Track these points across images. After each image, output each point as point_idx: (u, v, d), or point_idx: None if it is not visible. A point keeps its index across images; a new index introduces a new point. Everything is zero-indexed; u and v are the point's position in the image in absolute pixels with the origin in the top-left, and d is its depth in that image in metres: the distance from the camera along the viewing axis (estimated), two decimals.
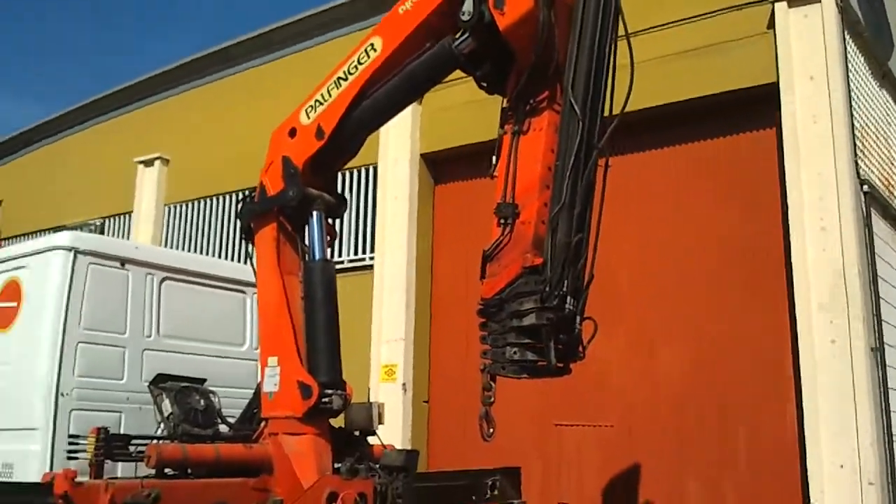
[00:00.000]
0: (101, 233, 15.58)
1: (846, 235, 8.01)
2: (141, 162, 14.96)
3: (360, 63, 6.15)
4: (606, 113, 5.45)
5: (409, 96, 6.40)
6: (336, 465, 5.82)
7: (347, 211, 11.94)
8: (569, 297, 5.15)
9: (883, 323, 8.38)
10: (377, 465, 6.09)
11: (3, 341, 6.55)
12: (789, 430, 8.11)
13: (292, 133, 6.41)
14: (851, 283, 7.88)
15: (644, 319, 9.44)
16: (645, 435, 9.14)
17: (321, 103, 6.29)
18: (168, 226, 14.58)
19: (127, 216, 15.25)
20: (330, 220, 6.59)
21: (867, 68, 10.10)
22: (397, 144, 11.48)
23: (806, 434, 7.82)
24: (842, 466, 7.61)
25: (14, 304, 6.56)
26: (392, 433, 10.35)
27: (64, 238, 6.62)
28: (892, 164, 10.65)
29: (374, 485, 5.77)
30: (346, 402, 5.99)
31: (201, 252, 13.75)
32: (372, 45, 6.11)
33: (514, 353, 5.20)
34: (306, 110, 6.38)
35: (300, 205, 6.20)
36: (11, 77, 53.43)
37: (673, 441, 8.96)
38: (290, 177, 6.23)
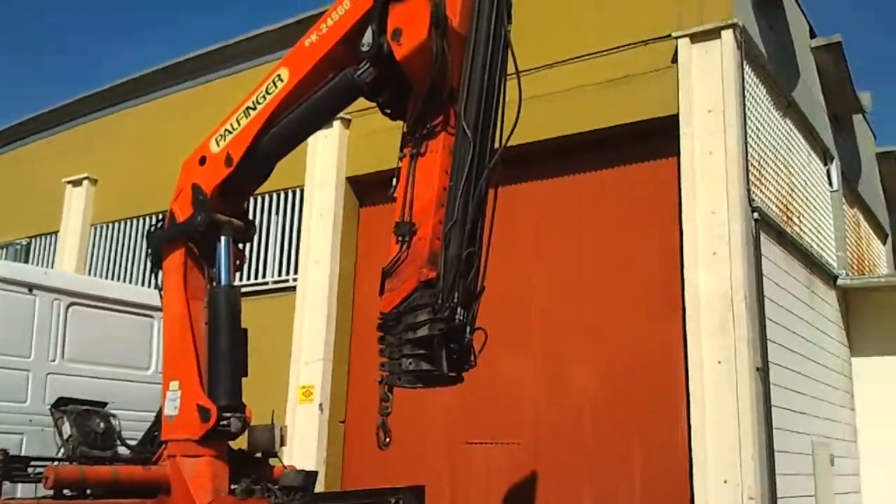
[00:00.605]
0: (27, 252, 15.57)
1: (735, 263, 8.45)
2: (69, 182, 14.98)
3: (267, 93, 6.45)
4: (499, 136, 5.82)
5: (314, 125, 6.72)
6: (233, 487, 6.04)
7: (274, 232, 12.30)
8: (459, 309, 5.48)
9: (771, 343, 8.83)
10: (276, 486, 6.34)
11: None
12: (681, 447, 8.47)
13: (202, 161, 6.67)
14: (738, 308, 8.31)
15: (552, 342, 9.80)
16: (549, 452, 9.47)
17: (230, 132, 6.56)
18: (94, 245, 14.61)
19: (54, 236, 15.25)
20: (240, 245, 6.86)
21: (769, 99, 10.62)
22: (324, 167, 11.74)
23: (693, 451, 8.22)
24: (725, 482, 8.01)
25: None
26: (307, 453, 10.63)
27: None
28: (792, 191, 11.19)
29: None
30: (245, 424, 6.20)
31: (126, 271, 13.84)
32: (279, 75, 6.43)
33: (410, 363, 5.46)
34: (216, 139, 6.65)
35: (208, 230, 6.44)
36: None
37: (575, 458, 9.30)
38: (199, 203, 6.47)
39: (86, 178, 14.83)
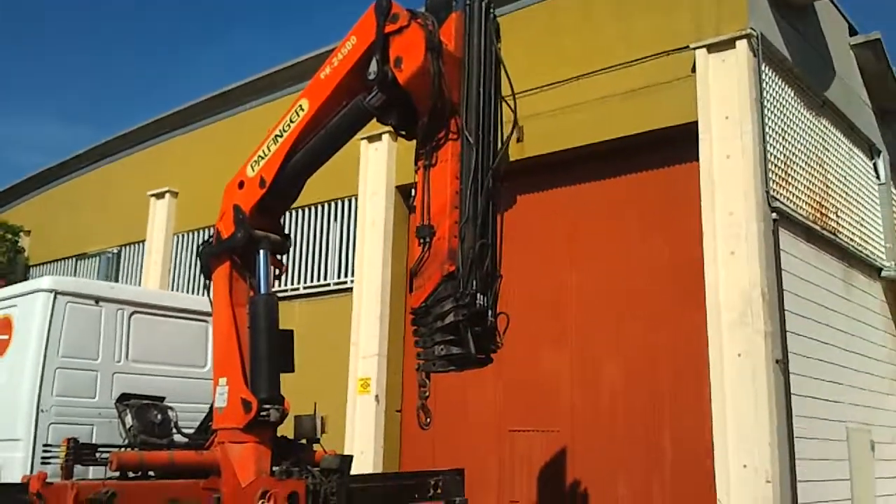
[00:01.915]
0: (118, 260, 16.93)
1: (752, 261, 8.89)
2: (153, 195, 16.25)
3: (291, 122, 7.29)
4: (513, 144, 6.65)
5: (334, 147, 7.42)
6: (274, 468, 6.87)
7: (333, 238, 13.20)
8: (479, 295, 6.24)
9: (795, 336, 9.23)
10: (315, 469, 7.16)
11: None
12: (705, 434, 8.95)
13: (241, 185, 7.53)
14: (755, 303, 8.76)
15: (585, 338, 10.40)
16: (585, 439, 10.09)
17: (262, 158, 7.42)
18: (177, 252, 15.84)
19: (141, 244, 16.56)
20: (277, 256, 7.71)
21: (799, 100, 10.94)
22: (374, 178, 12.59)
23: (714, 437, 8.72)
24: (745, 466, 8.49)
25: (6, 336, 7.85)
26: (367, 440, 11.50)
27: (46, 282, 7.95)
28: (828, 187, 11.46)
29: (307, 485, 6.82)
30: (284, 414, 6.98)
31: None
32: (301, 105, 7.27)
33: (441, 349, 6.25)
34: (251, 165, 7.52)
35: (248, 245, 7.29)
36: (61, 101, 55.74)
37: (608, 444, 9.90)
38: (239, 222, 7.33)
39: (167, 191, 16.06)
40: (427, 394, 6.50)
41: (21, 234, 20.11)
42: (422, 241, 6.45)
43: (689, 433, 9.28)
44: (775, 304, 9.03)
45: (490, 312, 6.39)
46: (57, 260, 19.13)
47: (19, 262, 19.79)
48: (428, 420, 6.52)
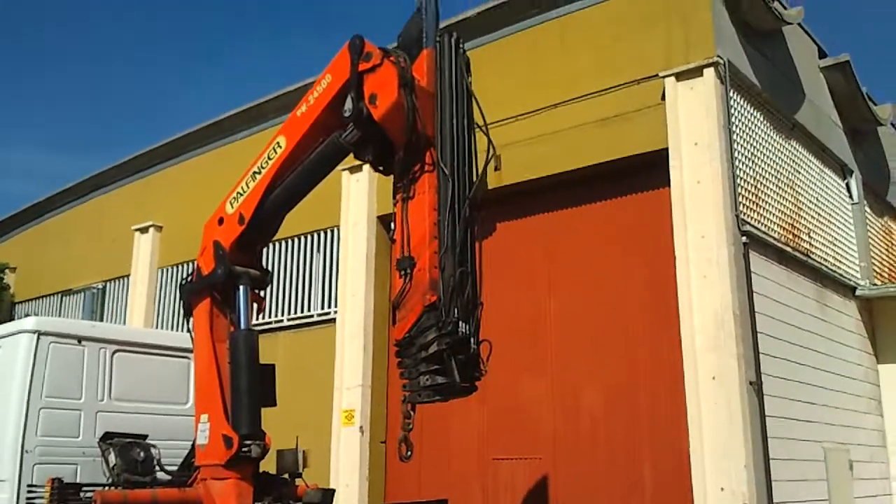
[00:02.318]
0: (103, 295, 17.01)
1: (723, 284, 9.06)
2: (137, 229, 16.36)
3: (269, 158, 7.47)
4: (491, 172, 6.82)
5: (311, 184, 7.61)
6: None
7: (316, 269, 13.33)
8: (461, 323, 6.40)
9: (769, 358, 9.40)
10: (298, 503, 7.28)
11: None
12: (683, 457, 9.07)
13: (220, 221, 7.71)
14: (727, 326, 8.93)
15: (566, 364, 10.52)
16: (567, 465, 10.19)
17: (241, 194, 7.59)
18: (161, 286, 15.93)
19: (126, 279, 16.64)
20: (258, 292, 7.86)
21: (769, 124, 11.18)
22: (356, 208, 12.73)
23: (692, 460, 8.84)
24: (722, 489, 8.61)
25: None
26: (351, 471, 11.58)
27: (30, 323, 8.07)
28: (800, 209, 11.68)
29: None
30: (265, 450, 7.11)
31: None
32: (278, 142, 7.46)
33: (427, 379, 6.38)
34: (230, 201, 7.69)
35: (228, 281, 7.46)
36: (52, 129, 55.91)
37: (589, 469, 10.00)
38: (219, 258, 7.52)
39: (152, 225, 16.18)
40: (411, 426, 6.60)
41: (6, 270, 20.14)
42: (402, 273, 6.60)
43: (668, 456, 9.40)
44: (748, 326, 9.20)
45: (472, 340, 6.55)
46: (42, 296, 19.18)
47: (4, 298, 19.82)
48: (409, 452, 6.62)
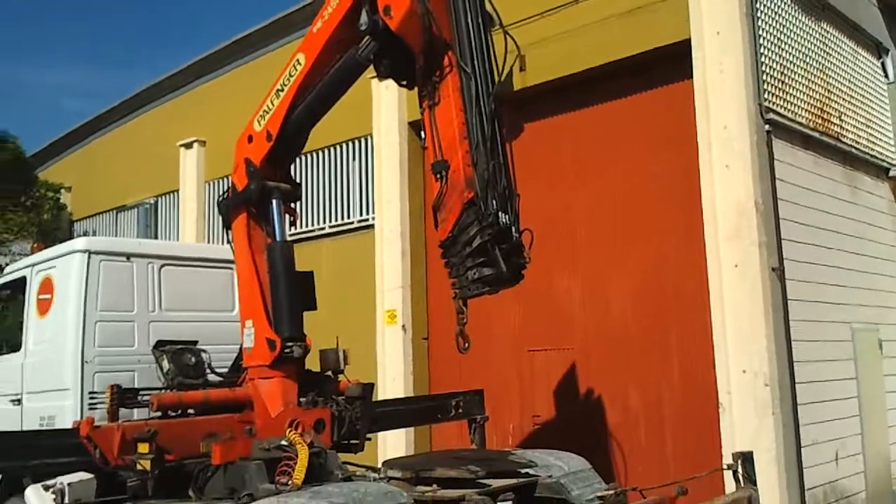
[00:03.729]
0: (156, 210, 17.68)
1: (745, 172, 9.20)
2: (182, 145, 16.86)
3: (290, 76, 7.74)
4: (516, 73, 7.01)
5: (333, 99, 7.86)
6: (301, 399, 7.54)
7: (354, 177, 13.71)
8: (501, 214, 6.62)
9: (789, 243, 9.55)
10: (340, 397, 7.82)
11: (43, 324, 8.68)
12: (708, 342, 9.42)
13: (249, 139, 8.07)
14: (748, 215, 9.11)
15: (595, 258, 10.83)
16: (598, 354, 10.64)
17: (267, 112, 7.91)
18: (210, 199, 16.50)
19: (175, 194, 17.25)
20: (290, 204, 8.26)
21: (797, 7, 11.02)
22: (387, 116, 12.96)
23: (715, 345, 9.20)
24: (744, 372, 8.97)
25: (49, 295, 8.62)
26: (396, 367, 12.21)
27: (80, 243, 8.68)
28: (830, 92, 11.59)
29: (332, 412, 7.50)
30: (306, 350, 7.60)
31: None
32: (298, 60, 7.71)
33: (474, 273, 6.64)
34: (258, 119, 8.02)
35: (261, 196, 7.86)
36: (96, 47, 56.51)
37: (619, 357, 10.44)
38: (251, 174, 7.90)
39: (195, 140, 16.64)
40: (465, 320, 6.84)
41: (62, 190, 20.94)
42: (438, 176, 6.81)
43: (693, 343, 9.76)
44: (770, 214, 9.35)
45: (513, 229, 6.75)
46: (98, 213, 19.98)
47: (63, 218, 20.69)
48: (466, 345, 6.88)
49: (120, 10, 57.54)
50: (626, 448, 10.21)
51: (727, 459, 6.87)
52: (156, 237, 17.50)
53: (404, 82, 7.62)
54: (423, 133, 7.25)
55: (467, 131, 6.74)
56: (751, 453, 6.67)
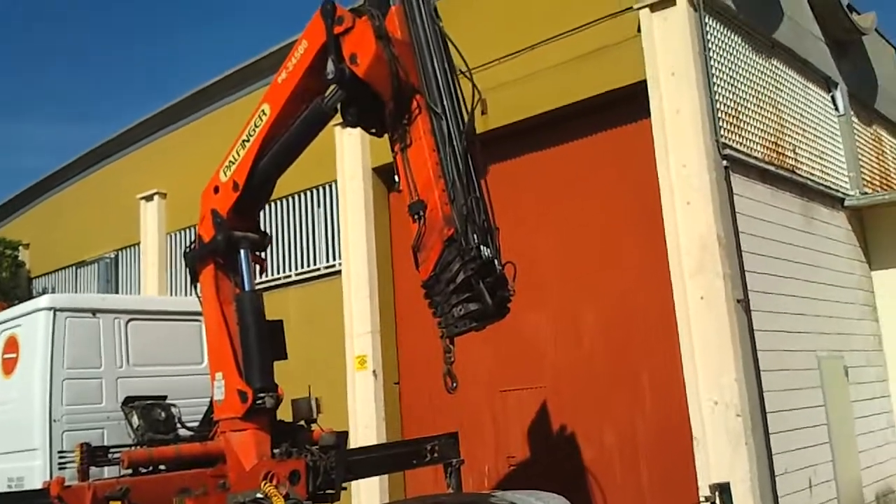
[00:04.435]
0: (116, 264, 17.49)
1: (706, 208, 9.38)
2: (142, 198, 16.75)
3: (256, 126, 7.76)
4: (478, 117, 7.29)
5: (300, 148, 7.87)
6: (275, 451, 7.46)
7: (319, 223, 13.71)
8: (482, 248, 6.58)
9: (751, 274, 9.73)
10: (314, 447, 7.74)
11: (9, 384, 8.55)
12: (678, 376, 9.50)
13: (216, 190, 8.05)
14: (711, 249, 9.28)
15: (562, 296, 10.94)
16: (570, 391, 10.69)
17: (233, 162, 7.91)
18: (172, 252, 16.37)
19: (136, 247, 17.09)
20: (258, 253, 8.23)
21: (748, 46, 11.35)
22: (351, 161, 13.05)
23: (685, 378, 9.29)
24: (715, 403, 9.07)
25: (14, 354, 8.51)
26: (368, 413, 12.12)
27: (45, 301, 8.57)
28: (783, 127, 11.90)
29: (307, 462, 7.41)
30: (278, 400, 7.54)
31: None
32: (263, 110, 7.74)
33: (460, 310, 6.55)
34: (223, 170, 8.02)
35: (228, 246, 7.83)
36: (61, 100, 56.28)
37: (591, 393, 10.50)
38: (218, 225, 7.87)
39: (156, 192, 16.55)
40: (452, 359, 6.77)
41: (20, 247, 20.64)
42: (416, 216, 6.78)
43: (663, 376, 9.85)
44: (733, 247, 9.54)
45: (496, 262, 6.70)
46: (57, 270, 19.71)
47: (21, 275, 20.35)
48: (454, 384, 6.82)
49: (80, 64, 57.34)
50: (603, 484, 10.21)
51: (704, 491, 6.92)
52: (117, 292, 17.28)
53: (373, 130, 7.63)
54: (396, 177, 7.17)
55: (442, 170, 6.76)
56: (727, 484, 6.73)
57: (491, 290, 6.54)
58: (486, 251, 6.58)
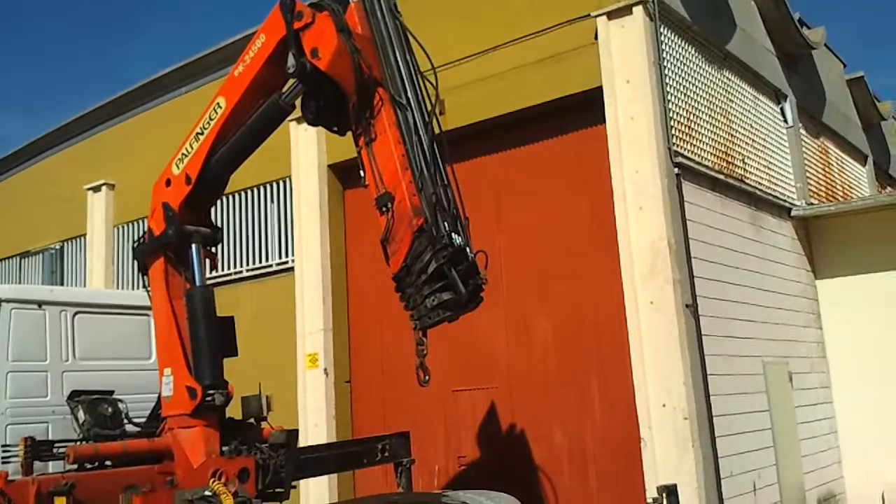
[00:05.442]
0: (61, 255, 17.14)
1: (658, 214, 9.52)
2: (90, 188, 16.44)
3: (210, 119, 7.66)
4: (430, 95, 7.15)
5: (255, 144, 7.81)
6: (223, 448, 7.38)
7: (272, 219, 13.59)
8: (454, 235, 6.53)
9: (700, 280, 9.89)
10: (264, 445, 7.67)
11: None
12: (628, 378, 9.61)
13: (168, 183, 7.94)
14: (662, 255, 9.41)
15: (516, 297, 10.98)
16: (522, 392, 10.75)
17: (186, 155, 7.81)
18: (119, 244, 16.10)
19: (82, 238, 16.77)
20: (211, 248, 8.13)
21: (701, 56, 11.55)
22: (306, 158, 12.96)
23: (635, 381, 9.41)
24: (664, 405, 9.20)
25: None
26: (318, 412, 12.05)
27: None
28: (733, 137, 12.13)
29: (257, 460, 7.35)
30: (228, 398, 7.47)
31: None
32: (218, 103, 7.64)
33: (433, 300, 6.46)
34: (176, 163, 7.91)
35: (179, 240, 7.73)
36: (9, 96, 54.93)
37: (542, 394, 10.57)
38: (169, 219, 7.76)
39: (104, 183, 16.27)
40: (425, 352, 6.72)
41: None
42: (384, 209, 6.70)
43: (614, 379, 9.97)
44: (682, 253, 9.69)
45: (468, 249, 6.68)
46: (0, 260, 19.24)
47: None
48: (427, 377, 6.75)
49: (29, 55, 56.08)
50: (553, 484, 10.30)
51: (651, 493, 7.01)
52: (62, 284, 16.93)
53: (335, 129, 7.59)
54: (361, 172, 7.05)
55: (409, 162, 6.71)
56: (675, 486, 6.83)
57: (464, 278, 6.50)
58: (457, 239, 6.54)
